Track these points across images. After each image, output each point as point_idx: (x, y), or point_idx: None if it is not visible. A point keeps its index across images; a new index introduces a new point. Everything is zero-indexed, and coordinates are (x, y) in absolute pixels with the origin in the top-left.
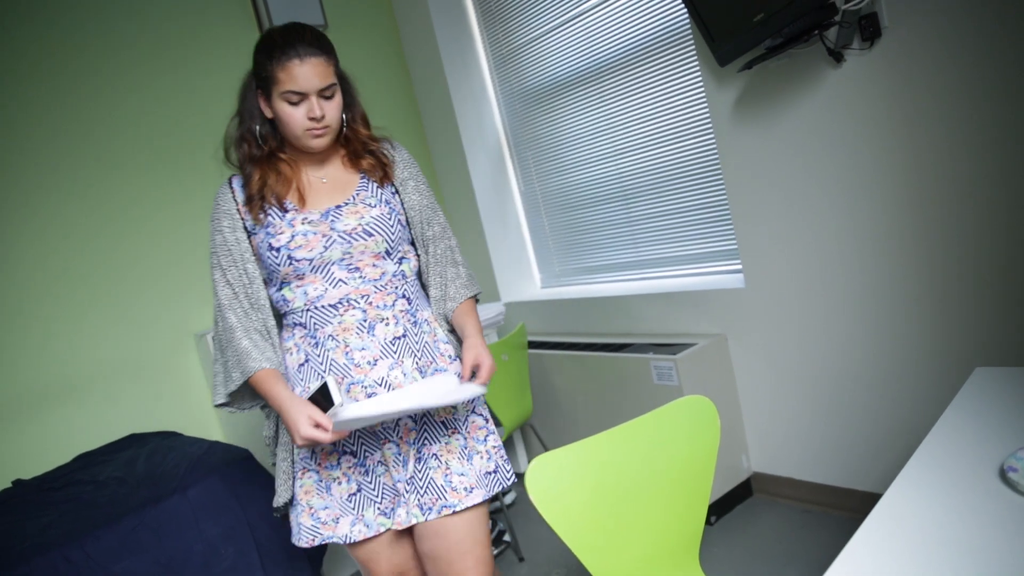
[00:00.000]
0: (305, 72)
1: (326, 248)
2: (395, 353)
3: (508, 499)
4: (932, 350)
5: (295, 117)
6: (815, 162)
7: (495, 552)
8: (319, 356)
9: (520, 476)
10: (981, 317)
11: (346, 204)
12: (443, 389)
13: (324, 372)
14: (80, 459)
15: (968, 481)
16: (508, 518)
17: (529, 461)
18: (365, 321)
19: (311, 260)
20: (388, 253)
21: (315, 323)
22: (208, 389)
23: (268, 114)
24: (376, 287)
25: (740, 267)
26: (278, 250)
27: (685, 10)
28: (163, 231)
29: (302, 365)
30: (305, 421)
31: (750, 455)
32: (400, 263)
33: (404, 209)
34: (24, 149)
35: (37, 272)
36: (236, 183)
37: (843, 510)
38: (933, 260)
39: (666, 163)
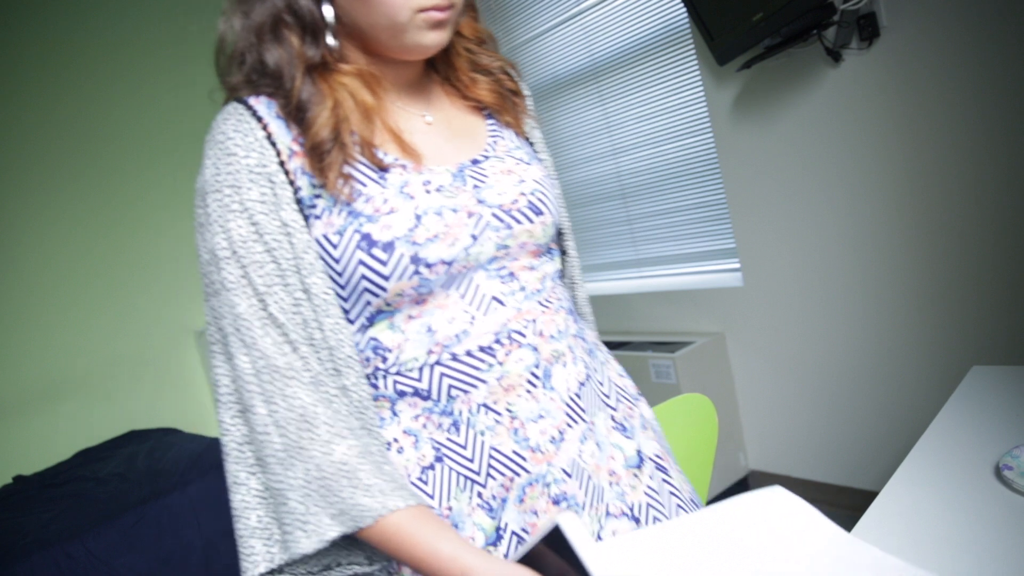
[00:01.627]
0: None
1: (475, 238)
2: (584, 411)
3: None
4: (929, 348)
5: None
6: (813, 161)
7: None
8: (468, 449)
9: None
10: (978, 316)
11: (486, 158)
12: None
13: (477, 476)
14: (81, 455)
15: (964, 479)
16: None
17: None
18: (538, 367)
19: (450, 264)
20: (548, 245)
21: (451, 387)
22: (208, 385)
23: None
24: (542, 303)
25: (738, 266)
26: (390, 246)
27: (684, 9)
28: (163, 229)
29: (428, 469)
30: None
31: (748, 453)
32: (553, 258)
33: None
34: (25, 149)
35: (38, 271)
36: (267, 109)
37: (840, 507)
38: (930, 259)
39: (665, 162)
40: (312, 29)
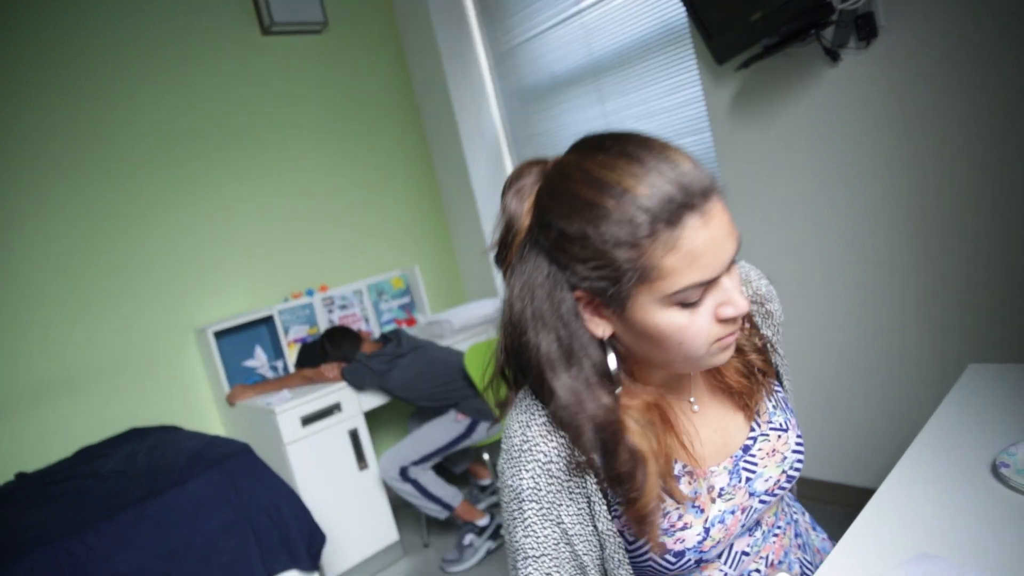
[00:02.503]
0: (716, 237)
1: (746, 528)
2: None
3: None
4: (926, 346)
5: (699, 328)
6: (811, 160)
7: (495, 546)
8: None
9: None
10: (975, 314)
11: (754, 440)
12: None
13: None
14: (81, 453)
15: (961, 476)
16: None
17: None
18: None
19: (719, 551)
20: None
21: None
22: (208, 382)
23: (605, 332)
24: (776, 534)
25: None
26: (680, 554)
27: (683, 8)
28: (163, 226)
29: None
30: None
31: None
32: None
33: None
34: (24, 148)
35: (38, 267)
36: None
37: (837, 505)
38: (927, 257)
39: None
40: (610, 387)
